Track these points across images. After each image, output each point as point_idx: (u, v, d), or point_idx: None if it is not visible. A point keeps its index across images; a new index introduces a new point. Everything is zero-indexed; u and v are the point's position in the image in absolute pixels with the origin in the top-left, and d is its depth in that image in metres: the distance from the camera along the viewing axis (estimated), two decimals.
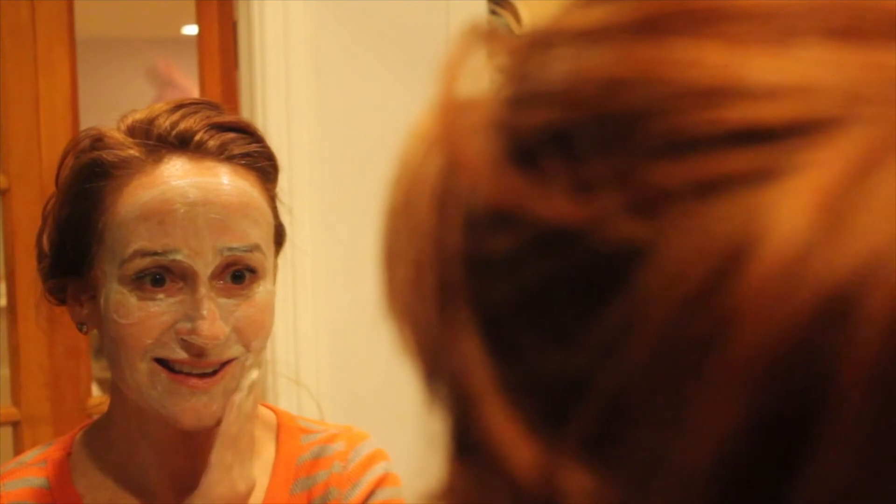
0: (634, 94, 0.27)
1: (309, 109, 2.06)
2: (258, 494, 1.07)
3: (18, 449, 2.05)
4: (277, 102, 2.04)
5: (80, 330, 1.05)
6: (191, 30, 5.03)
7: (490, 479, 0.28)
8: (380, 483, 1.10)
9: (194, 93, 4.64)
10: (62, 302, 1.06)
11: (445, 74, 0.32)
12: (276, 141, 1.07)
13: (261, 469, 1.08)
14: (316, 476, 1.10)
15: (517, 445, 0.27)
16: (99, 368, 2.50)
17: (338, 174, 2.10)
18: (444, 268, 0.30)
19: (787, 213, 0.24)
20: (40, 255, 1.07)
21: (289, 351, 1.92)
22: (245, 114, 2.07)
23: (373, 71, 2.12)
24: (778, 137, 0.25)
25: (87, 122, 2.11)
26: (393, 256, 0.32)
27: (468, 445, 0.29)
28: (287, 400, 1.91)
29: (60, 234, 1.04)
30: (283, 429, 1.12)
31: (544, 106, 0.29)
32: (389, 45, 2.12)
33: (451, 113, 0.31)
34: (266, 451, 1.10)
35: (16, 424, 2.06)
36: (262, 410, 1.12)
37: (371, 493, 1.09)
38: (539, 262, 0.28)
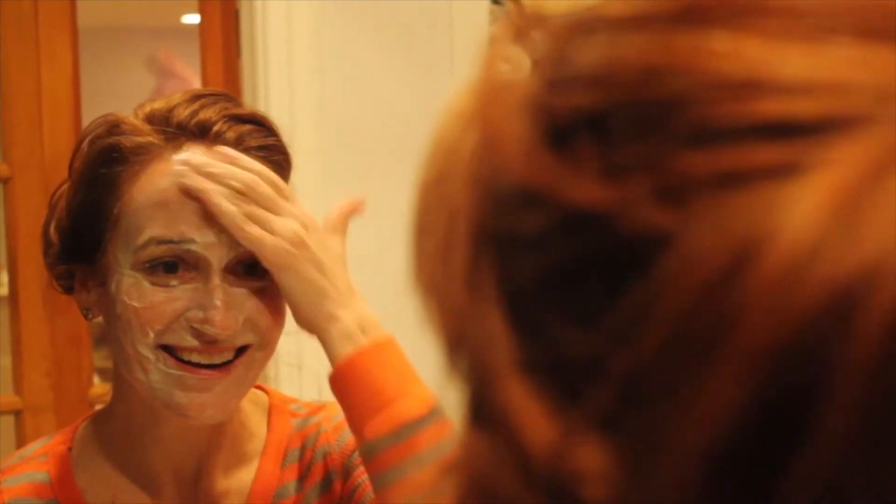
0: (669, 83, 0.27)
1: (311, 99, 2.06)
2: (249, 474, 1.08)
3: (20, 438, 2.05)
4: (280, 92, 2.04)
5: (86, 316, 1.05)
6: (191, 19, 5.02)
7: (504, 452, 0.29)
8: None
9: (195, 83, 4.63)
10: (69, 290, 1.06)
11: (486, 53, 0.32)
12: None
13: (255, 451, 1.09)
14: (305, 443, 1.10)
15: (533, 421, 0.28)
16: (100, 358, 2.50)
17: (340, 163, 2.10)
18: (472, 243, 0.30)
19: (801, 209, 0.24)
20: (47, 244, 1.07)
21: (290, 336, 1.92)
22: (248, 103, 2.07)
23: (375, 59, 2.11)
24: (805, 132, 0.26)
25: (88, 111, 2.12)
26: (423, 229, 0.32)
27: (485, 418, 0.30)
28: (289, 386, 1.91)
29: (73, 219, 1.03)
30: (275, 411, 1.12)
31: (580, 89, 0.29)
32: (392, 34, 2.12)
33: (489, 92, 0.31)
34: (258, 431, 1.10)
35: (18, 413, 2.07)
36: (254, 391, 1.12)
37: None
38: (565, 243, 0.28)
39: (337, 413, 1.09)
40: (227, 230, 0.97)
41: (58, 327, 2.02)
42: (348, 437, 1.07)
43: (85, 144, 1.04)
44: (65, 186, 1.07)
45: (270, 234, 0.97)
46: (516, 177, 0.29)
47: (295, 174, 1.09)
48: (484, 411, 0.30)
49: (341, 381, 0.97)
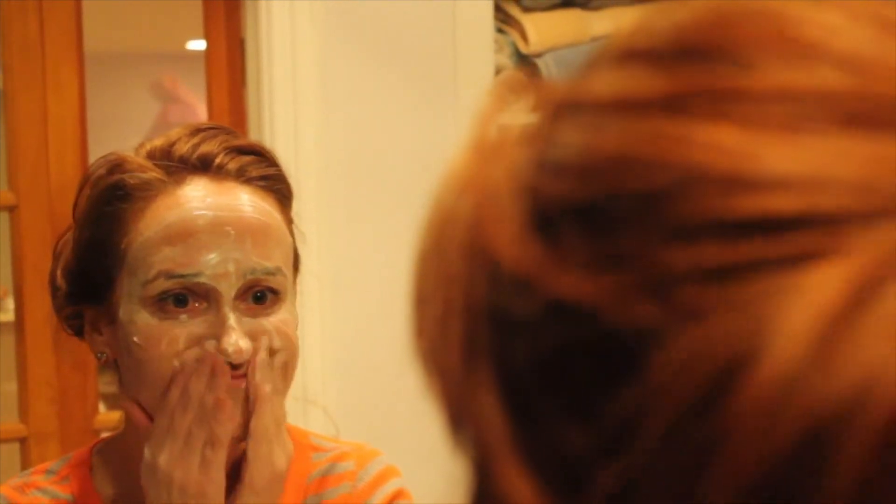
0: (652, 175, 0.27)
1: (316, 128, 2.07)
2: None
3: (25, 465, 2.05)
4: (285, 120, 2.05)
5: (99, 359, 1.05)
6: (195, 45, 5.04)
7: None
8: (393, 498, 1.10)
9: (199, 108, 4.65)
10: (79, 332, 1.07)
11: (478, 122, 0.32)
12: (284, 158, 1.07)
13: None
14: (324, 493, 1.09)
15: None
16: (105, 384, 2.50)
17: (345, 190, 2.10)
18: (469, 318, 0.30)
19: (789, 327, 0.24)
20: (54, 290, 1.07)
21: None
22: (252, 131, 2.08)
23: (380, 87, 2.12)
24: (787, 229, 0.26)
25: (93, 137, 2.13)
26: (422, 299, 0.32)
27: (484, 496, 0.30)
28: (293, 417, 1.90)
29: (80, 259, 1.04)
30: (295, 446, 1.12)
31: (568, 176, 0.29)
32: (396, 62, 2.13)
33: (481, 163, 0.31)
34: None
35: (23, 440, 2.06)
36: None
37: None
38: (554, 332, 0.28)
39: (364, 471, 1.11)
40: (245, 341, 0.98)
41: (63, 354, 2.02)
42: None
43: (88, 186, 1.04)
44: (69, 234, 1.08)
45: (270, 460, 1.02)
46: (505, 260, 0.29)
47: (299, 202, 1.09)
48: (484, 491, 0.30)
49: None
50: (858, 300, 0.24)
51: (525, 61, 2.19)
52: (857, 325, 0.24)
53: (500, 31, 2.19)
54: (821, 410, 0.24)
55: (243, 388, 0.99)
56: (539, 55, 2.19)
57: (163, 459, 0.98)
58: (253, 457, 1.00)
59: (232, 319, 0.97)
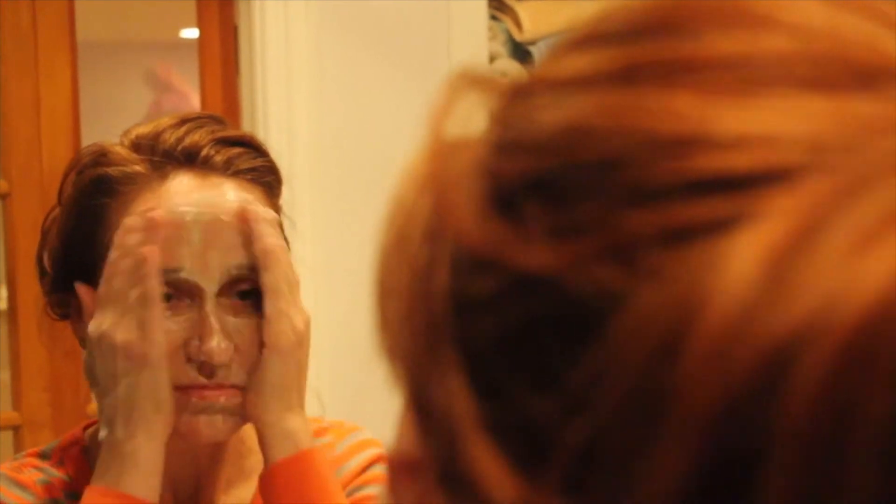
0: (607, 143, 0.28)
1: (310, 116, 2.07)
2: (248, 491, 1.07)
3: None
4: (278, 109, 2.05)
5: (83, 346, 1.05)
6: (189, 33, 5.03)
7: None
8: (371, 462, 1.10)
9: (193, 97, 4.64)
10: (64, 317, 1.06)
11: (436, 117, 0.32)
12: (277, 148, 1.07)
13: (253, 467, 1.08)
14: None
15: (499, 482, 0.28)
16: None
17: (338, 180, 2.10)
18: (431, 306, 0.30)
19: (735, 269, 0.25)
20: (41, 272, 1.07)
21: None
22: (246, 120, 2.08)
23: (374, 77, 2.12)
24: (741, 186, 0.26)
25: (86, 126, 2.12)
26: (385, 293, 0.32)
27: (452, 479, 0.30)
28: None
29: (65, 249, 1.03)
30: None
31: (524, 154, 0.30)
32: (390, 50, 2.13)
33: (440, 156, 0.32)
34: (257, 446, 1.10)
35: (16, 429, 2.07)
36: None
37: (364, 470, 1.09)
38: (519, 307, 0.29)
39: (343, 441, 1.10)
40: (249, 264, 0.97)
41: (56, 342, 2.02)
42: (347, 471, 1.08)
43: (73, 174, 1.04)
44: (55, 213, 1.07)
45: (290, 320, 0.98)
46: (466, 243, 0.30)
47: (291, 191, 1.09)
48: (451, 473, 0.30)
49: (279, 478, 0.99)
50: (806, 236, 0.24)
51: (519, 49, 2.19)
52: (806, 258, 0.24)
53: (493, 18, 2.18)
54: (771, 343, 0.24)
55: (223, 401, 0.98)
56: (533, 43, 2.19)
57: (106, 325, 0.96)
58: (273, 315, 0.98)
59: (213, 319, 0.96)
